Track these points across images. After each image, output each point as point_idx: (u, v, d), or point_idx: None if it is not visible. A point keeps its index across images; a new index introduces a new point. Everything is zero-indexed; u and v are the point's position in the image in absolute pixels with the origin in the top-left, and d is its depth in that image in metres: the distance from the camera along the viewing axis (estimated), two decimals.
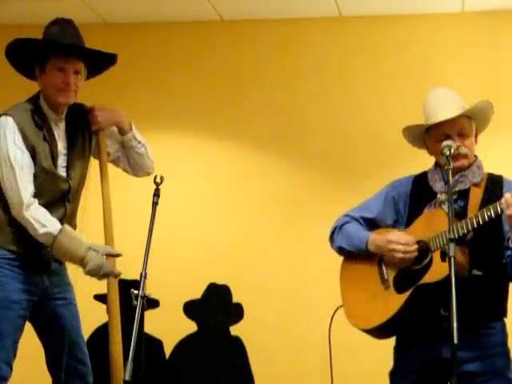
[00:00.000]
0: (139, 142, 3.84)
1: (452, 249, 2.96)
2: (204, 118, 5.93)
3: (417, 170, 3.52)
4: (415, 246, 3.27)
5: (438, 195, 3.35)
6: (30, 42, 3.62)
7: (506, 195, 3.07)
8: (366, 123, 5.73)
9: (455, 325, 2.83)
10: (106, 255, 3.53)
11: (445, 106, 3.34)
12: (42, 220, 3.50)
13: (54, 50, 3.58)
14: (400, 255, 3.28)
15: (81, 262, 3.50)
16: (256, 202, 5.82)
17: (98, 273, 3.50)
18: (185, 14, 5.91)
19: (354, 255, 3.46)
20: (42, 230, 3.49)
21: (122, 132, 3.82)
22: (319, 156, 5.80)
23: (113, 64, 3.81)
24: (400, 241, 3.28)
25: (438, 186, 3.38)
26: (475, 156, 3.41)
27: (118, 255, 3.57)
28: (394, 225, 3.46)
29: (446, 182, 3.32)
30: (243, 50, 5.98)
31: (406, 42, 5.80)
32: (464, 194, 3.31)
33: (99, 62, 3.76)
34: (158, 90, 5.98)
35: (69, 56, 3.59)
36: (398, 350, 3.42)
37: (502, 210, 3.09)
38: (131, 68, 6.03)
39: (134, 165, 3.88)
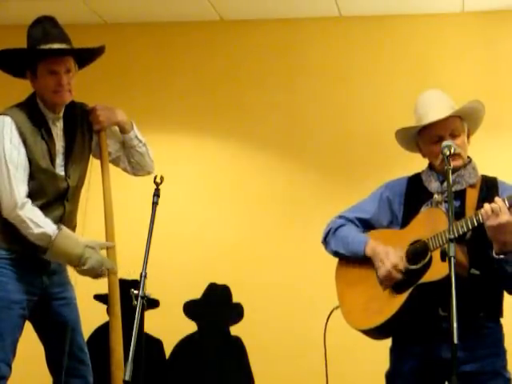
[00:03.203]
0: (140, 141, 3.85)
1: (452, 249, 2.96)
2: (204, 117, 5.93)
3: (416, 170, 3.52)
4: (399, 275, 3.27)
5: (435, 195, 3.36)
6: (15, 52, 3.62)
7: (486, 206, 3.09)
8: (366, 123, 5.73)
9: (455, 325, 2.83)
10: (103, 249, 3.54)
11: (436, 107, 3.36)
12: (37, 220, 3.50)
13: (41, 56, 3.58)
14: (384, 273, 3.28)
15: (79, 260, 3.49)
16: (256, 202, 5.82)
17: (98, 270, 3.50)
18: (185, 14, 5.92)
19: (350, 258, 3.46)
20: (37, 230, 3.49)
21: (123, 131, 3.83)
22: (319, 156, 5.80)
23: (102, 53, 3.78)
24: (390, 259, 3.28)
25: (433, 186, 3.38)
26: (469, 157, 3.42)
27: (111, 246, 3.59)
28: (389, 225, 3.46)
29: (442, 182, 3.34)
30: (243, 50, 5.98)
31: (406, 41, 5.80)
32: (460, 195, 3.32)
33: (89, 54, 3.75)
34: (157, 89, 5.98)
35: (57, 58, 3.59)
36: (394, 351, 3.41)
37: None
38: (131, 68, 6.04)
39: (135, 164, 3.88)
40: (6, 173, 3.51)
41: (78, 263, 3.50)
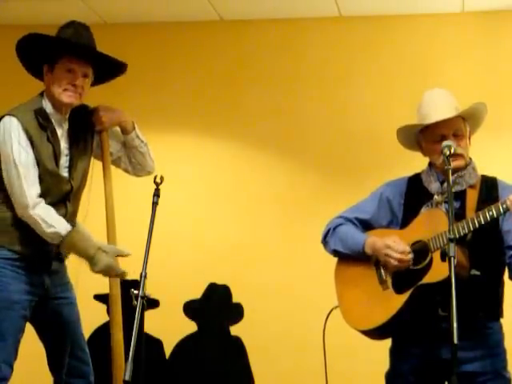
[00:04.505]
0: (142, 141, 3.86)
1: (452, 249, 2.96)
2: (204, 118, 5.93)
3: (416, 170, 3.52)
4: (410, 256, 3.27)
5: (435, 196, 3.35)
6: (44, 38, 3.61)
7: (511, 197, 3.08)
8: (366, 123, 5.73)
9: (455, 325, 2.83)
10: (118, 256, 3.55)
11: (441, 107, 3.35)
12: (48, 220, 3.50)
13: (67, 50, 3.58)
14: (395, 263, 3.28)
15: (90, 260, 3.51)
16: (256, 202, 5.82)
17: (107, 274, 3.52)
18: (185, 14, 5.92)
19: (350, 257, 3.46)
20: (49, 230, 3.50)
21: (125, 132, 3.83)
22: (319, 156, 5.80)
23: (121, 73, 3.80)
24: (396, 249, 3.28)
25: (433, 186, 3.38)
26: (470, 158, 3.41)
27: (127, 255, 3.58)
28: (389, 225, 3.45)
29: (442, 183, 3.33)
30: (243, 50, 5.98)
31: (406, 42, 5.80)
32: (460, 196, 3.32)
33: (108, 70, 3.75)
34: (157, 90, 5.98)
35: (80, 58, 3.59)
36: (395, 352, 3.41)
37: (504, 210, 3.09)
38: (131, 68, 5.99)
39: (136, 164, 3.88)
40: (16, 175, 3.51)
41: (90, 263, 3.51)
